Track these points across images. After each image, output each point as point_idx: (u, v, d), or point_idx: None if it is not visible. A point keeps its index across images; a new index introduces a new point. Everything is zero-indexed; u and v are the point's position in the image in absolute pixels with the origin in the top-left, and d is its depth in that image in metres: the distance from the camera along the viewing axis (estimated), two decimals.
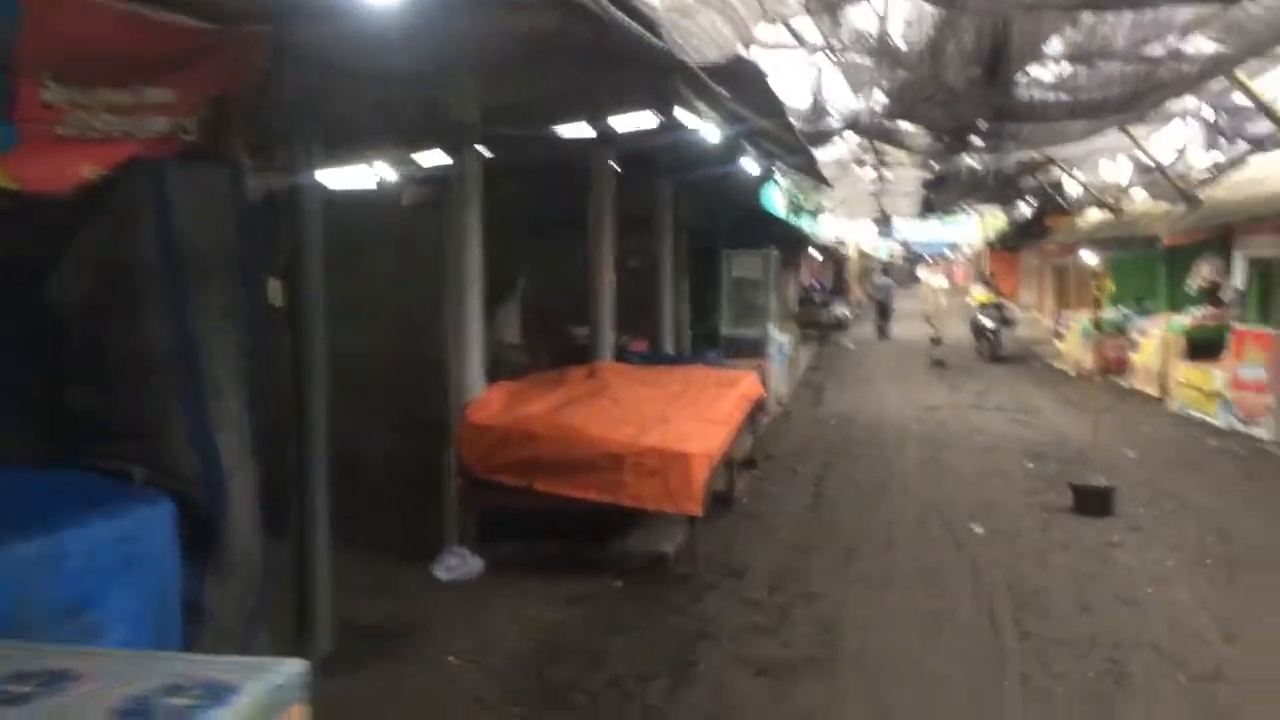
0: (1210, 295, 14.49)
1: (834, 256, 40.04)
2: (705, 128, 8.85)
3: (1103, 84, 8.89)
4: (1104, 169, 18.91)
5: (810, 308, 30.33)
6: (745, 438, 9.89)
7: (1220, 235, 12.52)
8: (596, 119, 8.57)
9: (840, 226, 38.30)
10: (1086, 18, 7.51)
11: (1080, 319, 19.64)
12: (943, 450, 11.36)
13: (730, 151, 12.20)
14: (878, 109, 12.06)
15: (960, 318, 33.27)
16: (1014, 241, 37.03)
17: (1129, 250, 18.91)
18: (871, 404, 15.65)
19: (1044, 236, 24.63)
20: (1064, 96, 8.87)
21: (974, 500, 8.97)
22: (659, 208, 13.37)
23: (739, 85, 7.90)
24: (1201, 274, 13.36)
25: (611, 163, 10.34)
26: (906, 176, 21.66)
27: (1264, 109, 9.86)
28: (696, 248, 14.81)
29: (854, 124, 12.83)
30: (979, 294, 24.44)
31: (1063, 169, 18.03)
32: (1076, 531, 7.92)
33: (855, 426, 13.19)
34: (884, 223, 40.51)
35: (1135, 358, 16.64)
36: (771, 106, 8.69)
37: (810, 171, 13.95)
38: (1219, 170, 12.69)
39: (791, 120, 10.78)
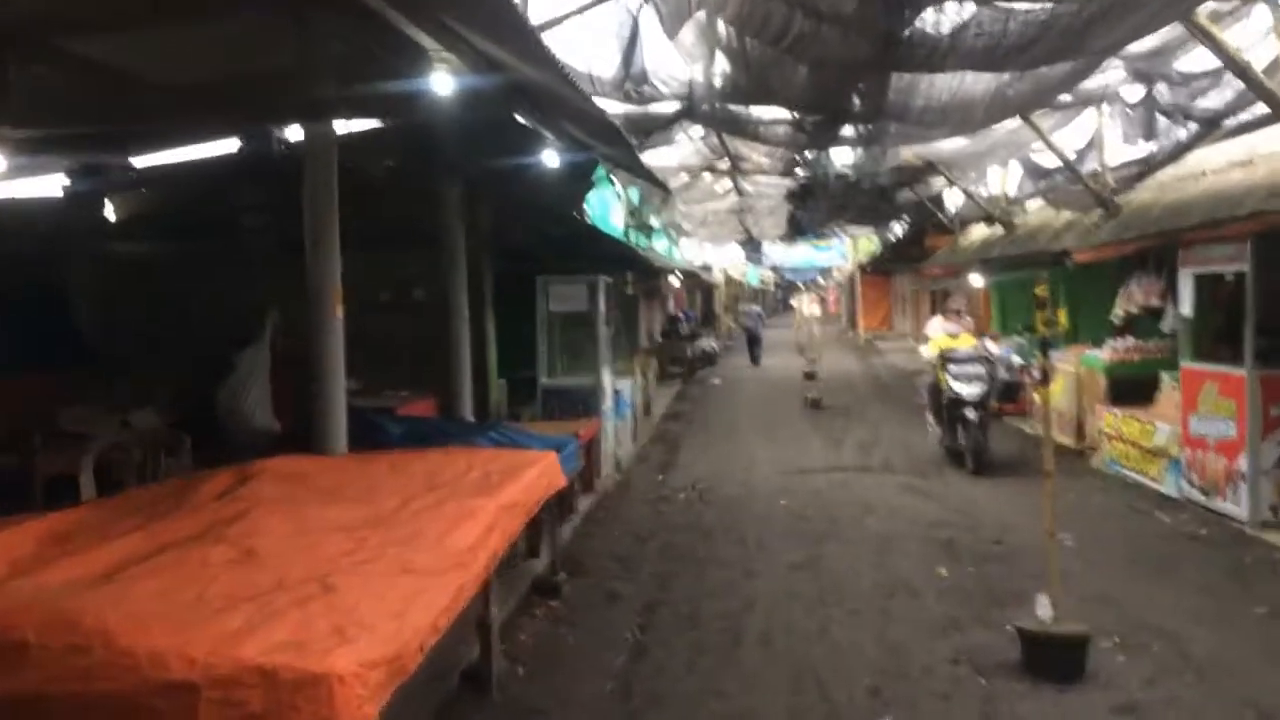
0: (1124, 325, 11.92)
1: (701, 284, 37.34)
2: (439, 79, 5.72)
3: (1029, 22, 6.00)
4: (992, 178, 16.43)
5: (675, 341, 27.48)
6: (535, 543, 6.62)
7: (1156, 248, 9.88)
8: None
9: (706, 251, 35.65)
10: None
11: None
12: (823, 545, 8.28)
13: (523, 137, 9.07)
14: (719, 82, 9.05)
15: (836, 346, 30.96)
16: (887, 265, 35.03)
17: (1022, 271, 16.44)
18: (735, 466, 12.58)
19: (922, 259, 22.21)
20: (978, 33, 6.04)
21: (871, 654, 5.84)
22: (446, 219, 10.09)
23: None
24: (1133, 298, 10.70)
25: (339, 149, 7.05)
26: (769, 190, 18.86)
27: (1234, 66, 7.15)
28: (510, 275, 11.57)
29: (690, 105, 9.78)
30: (944, 336, 12.30)
31: (945, 175, 15.46)
32: None
33: (710, 506, 10.04)
34: (752, 247, 38.09)
35: (1038, 395, 14.00)
36: (533, 50, 5.53)
37: (635, 169, 10.85)
38: (1148, 166, 10.08)
39: (589, 87, 7.68)
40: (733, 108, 10.39)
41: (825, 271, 56.25)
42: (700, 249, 35.81)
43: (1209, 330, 9.14)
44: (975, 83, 7.46)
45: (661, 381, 23.64)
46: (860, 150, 12.73)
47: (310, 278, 6.96)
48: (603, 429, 10.96)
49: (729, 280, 45.77)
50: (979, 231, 18.33)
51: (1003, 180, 15.85)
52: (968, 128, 10.10)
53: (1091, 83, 9.80)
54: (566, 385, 11.21)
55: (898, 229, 27.11)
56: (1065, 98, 10.04)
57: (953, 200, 19.04)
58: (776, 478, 11.63)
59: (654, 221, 21.43)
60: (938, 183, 18.55)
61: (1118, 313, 10.88)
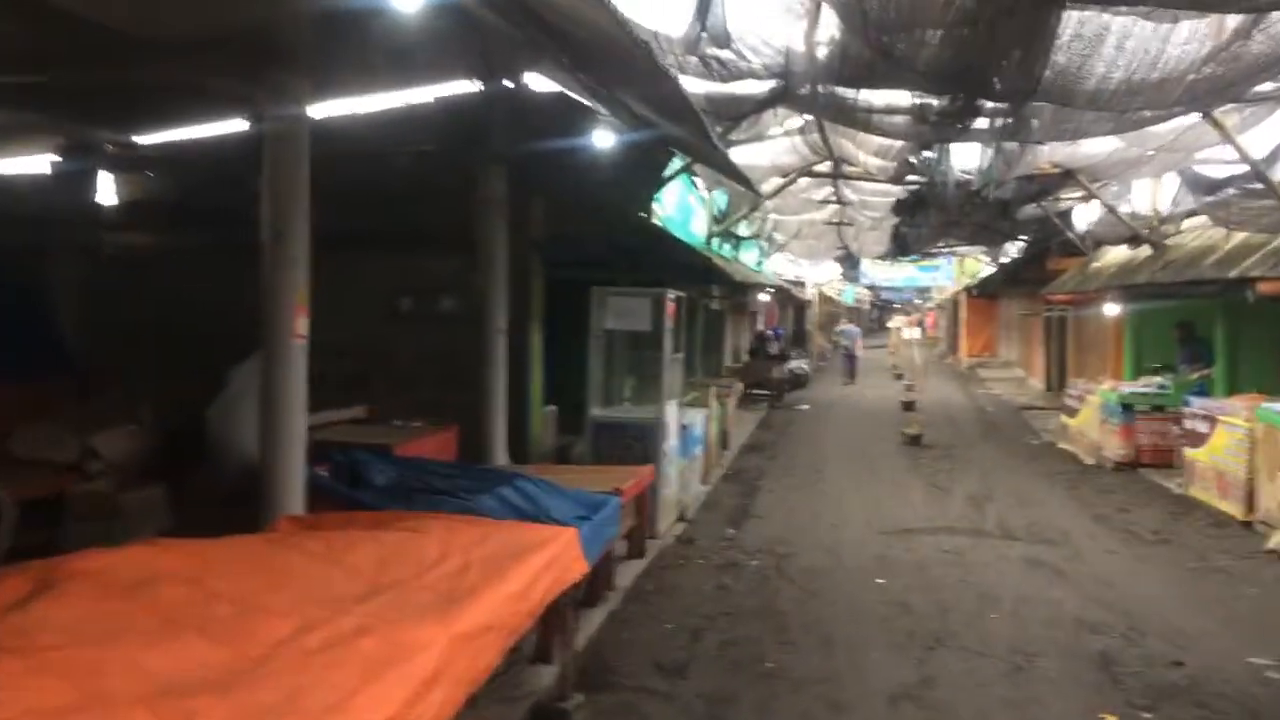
0: None
1: (793, 300, 35.23)
2: None
3: None
4: (1138, 192, 14.12)
5: (761, 362, 25.42)
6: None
7: None
8: None
9: (800, 267, 33.55)
10: None
11: (1102, 390, 14.77)
12: (933, 658, 6.25)
13: (580, 116, 7.32)
14: (824, 51, 7.13)
15: (935, 372, 28.59)
16: (998, 288, 32.44)
17: (1174, 301, 14.09)
18: (822, 520, 10.59)
19: (1042, 282, 19.84)
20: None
21: None
22: (486, 214, 8.39)
23: None
24: None
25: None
26: (874, 200, 16.78)
27: None
28: (568, 285, 9.83)
29: (786, 84, 7.87)
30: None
31: (1085, 186, 13.22)
32: None
33: (788, 581, 8.05)
34: (850, 263, 35.84)
35: (1194, 454, 11.70)
36: None
37: (713, 160, 8.99)
38: None
39: (657, 43, 5.86)
40: (840, 91, 8.44)
41: (924, 292, 53.52)
42: (794, 264, 33.73)
43: None
44: (1184, 45, 5.41)
45: (745, 405, 21.69)
46: (990, 151, 10.64)
47: (265, 286, 5.27)
48: (662, 474, 9.10)
49: (823, 298, 43.49)
50: (1117, 254, 15.98)
51: (1154, 194, 13.54)
52: (1138, 120, 7.98)
53: None
54: (622, 418, 9.37)
55: (1012, 250, 24.67)
56: (1267, 85, 7.85)
57: (1085, 218, 16.71)
58: (871, 540, 9.60)
59: (743, 231, 19.52)
60: (1069, 197, 16.26)
61: None
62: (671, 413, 9.64)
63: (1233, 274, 9.61)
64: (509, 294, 8.68)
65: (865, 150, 11.43)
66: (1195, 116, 9.13)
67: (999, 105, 8.21)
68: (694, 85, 8.04)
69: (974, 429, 19.55)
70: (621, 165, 8.58)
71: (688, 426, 10.64)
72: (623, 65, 5.95)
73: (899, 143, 10.30)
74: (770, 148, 11.72)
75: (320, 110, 8.93)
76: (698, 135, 7.09)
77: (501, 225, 8.48)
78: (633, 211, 9.63)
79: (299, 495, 5.44)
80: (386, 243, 9.07)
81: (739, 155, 11.68)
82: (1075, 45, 5.48)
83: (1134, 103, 6.40)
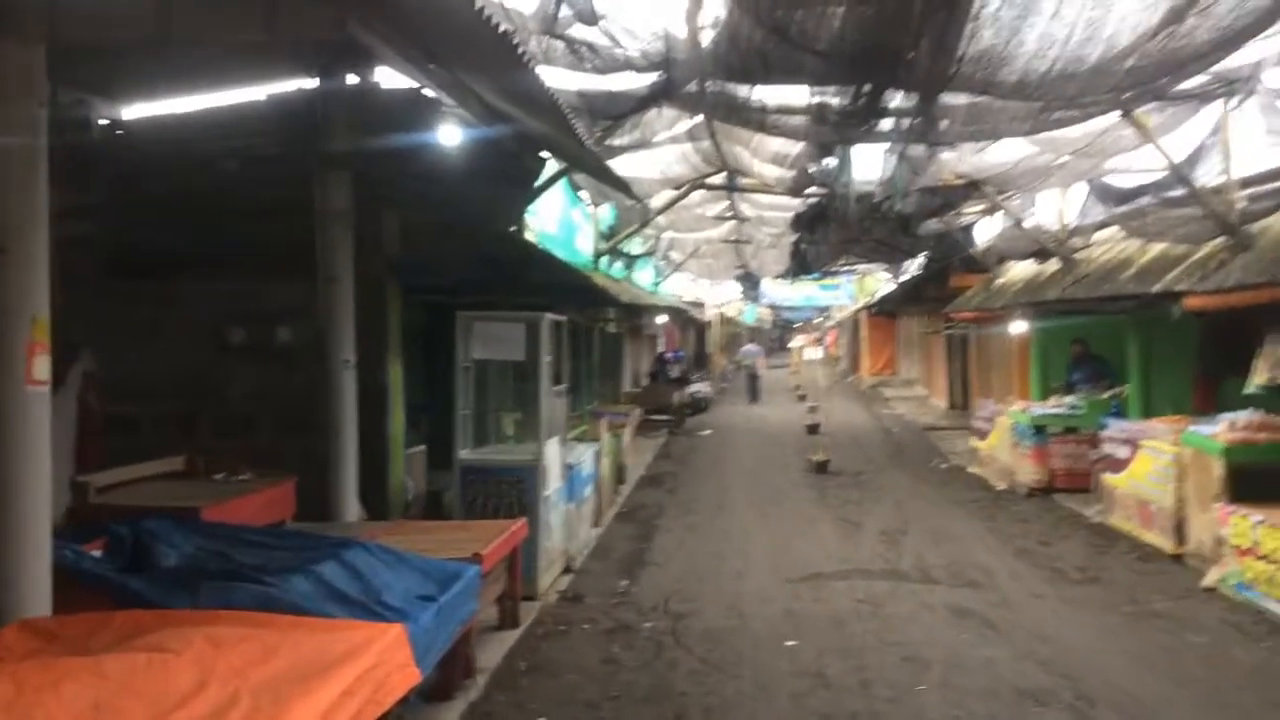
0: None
1: (694, 322, 34.44)
2: None
3: None
4: (1043, 205, 13.54)
5: (661, 386, 24.50)
6: None
7: None
8: None
9: (699, 288, 32.79)
10: None
11: (1012, 412, 14.11)
12: None
13: (423, 112, 6.24)
14: (710, 38, 6.14)
15: (837, 392, 28.02)
16: (895, 306, 32.13)
17: (1086, 318, 13.51)
18: (725, 566, 9.55)
19: (945, 300, 19.30)
20: None
21: None
22: (327, 229, 7.18)
23: None
24: (1268, 357, 7.66)
25: None
26: (773, 216, 15.95)
27: None
28: (440, 310, 8.65)
29: (669, 77, 6.86)
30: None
31: (990, 198, 12.55)
32: None
33: (686, 649, 6.95)
34: (750, 283, 35.21)
35: (1115, 481, 11.02)
36: None
37: (582, 160, 7.95)
38: None
39: (506, 17, 4.79)
40: (731, 87, 7.48)
41: (825, 311, 53.44)
42: (694, 284, 32.93)
43: None
44: (1124, 20, 4.55)
45: (645, 432, 20.68)
46: (894, 160, 9.82)
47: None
48: (543, 524, 7.96)
49: (724, 318, 42.86)
50: (1022, 269, 15.40)
51: (1061, 206, 12.93)
52: (1058, 119, 7.17)
53: (1231, 61, 6.92)
54: (495, 461, 8.20)
55: (913, 267, 24.19)
56: (1192, 82, 7.14)
57: (988, 233, 16.15)
58: (779, 590, 8.59)
59: (636, 249, 18.53)
60: (971, 212, 15.65)
61: (1257, 381, 7.94)
62: (553, 452, 8.51)
63: (1156, 288, 8.92)
64: (360, 321, 7.48)
65: (761, 158, 10.52)
66: (1112, 118, 8.42)
67: (905, 106, 7.35)
68: (565, 79, 7.00)
69: (881, 452, 18.85)
70: (487, 173, 7.47)
71: (574, 466, 9.52)
72: (471, 47, 4.86)
73: (796, 148, 9.41)
74: (659, 157, 10.73)
75: (131, 110, 7.67)
76: (563, 133, 6.01)
77: (346, 241, 7.28)
78: (502, 226, 8.50)
79: (42, 589, 4.16)
80: (214, 264, 7.78)
81: (625, 165, 10.68)
82: (1005, 13, 4.57)
83: (1067, 89, 5.54)
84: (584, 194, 12.35)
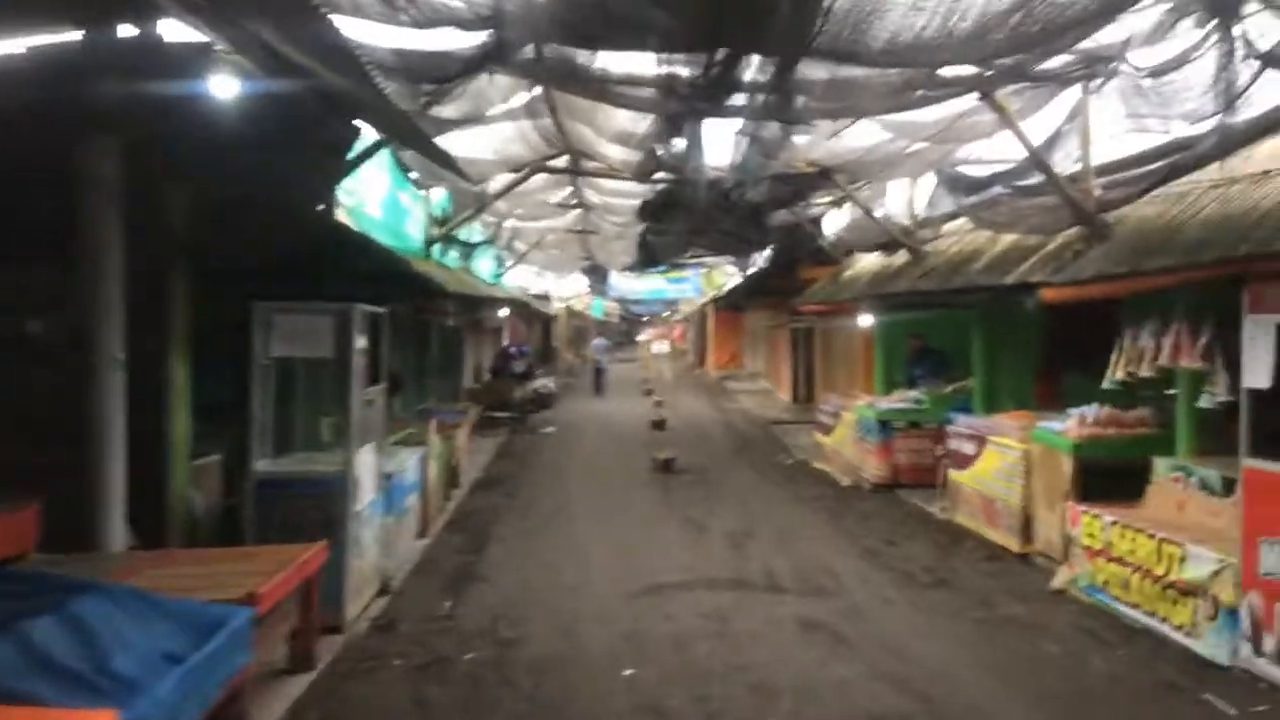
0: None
1: (539, 316, 33.57)
2: None
3: None
4: (893, 196, 13.29)
5: (504, 382, 23.57)
6: None
7: (1183, 285, 6.57)
8: None
9: (545, 280, 31.96)
10: None
11: (858, 407, 13.86)
12: None
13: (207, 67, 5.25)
14: None
15: (685, 386, 27.68)
16: (742, 300, 32.08)
17: (932, 312, 13.34)
18: (561, 579, 8.81)
19: (793, 292, 19.05)
20: None
21: None
22: (88, 203, 6.08)
23: None
24: (1144, 356, 7.27)
25: None
26: (619, 204, 15.27)
27: None
28: (243, 299, 7.53)
29: (499, 38, 6.05)
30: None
31: (842, 187, 12.19)
32: None
33: (510, 683, 6.15)
34: (597, 276, 34.62)
35: (961, 478, 10.79)
36: None
37: (398, 128, 7.06)
38: (1175, 166, 6.75)
39: None
40: (570, 52, 6.71)
41: (673, 305, 53.39)
42: (540, 276, 32.07)
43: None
44: None
45: (486, 430, 19.75)
46: (745, 143, 9.25)
47: None
48: (352, 542, 7.03)
49: (571, 312, 42.13)
50: (870, 261, 15.19)
51: (910, 197, 12.68)
52: (920, 98, 6.69)
53: (1095, 40, 6.58)
54: (296, 473, 7.21)
55: (761, 260, 24.01)
56: (1054, 62, 6.77)
57: (837, 224, 15.90)
58: (619, 606, 7.90)
59: (475, 237, 17.55)
60: (821, 202, 15.38)
61: (1114, 377, 7.67)
62: (367, 460, 7.58)
63: (1009, 280, 8.63)
64: (136, 312, 6.38)
65: (606, 137, 9.80)
66: (970, 101, 8.06)
67: (760, 80, 6.74)
68: (379, 33, 6.09)
69: (726, 448, 18.47)
70: (289, 142, 6.50)
71: (395, 474, 8.61)
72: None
73: (643, 127, 8.73)
74: (495, 135, 9.87)
75: None
76: (373, 96, 5.13)
77: (114, 218, 6.18)
78: (311, 204, 7.50)
79: None
80: None
81: (457, 143, 9.79)
82: None
83: (938, 56, 5.01)
84: (414, 175, 11.37)
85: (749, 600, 8.06)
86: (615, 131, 9.27)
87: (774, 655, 6.66)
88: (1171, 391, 8.04)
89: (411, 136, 7.64)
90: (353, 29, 5.88)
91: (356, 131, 7.07)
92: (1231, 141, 5.97)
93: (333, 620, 6.69)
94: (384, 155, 10.49)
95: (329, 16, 4.96)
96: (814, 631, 7.18)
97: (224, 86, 5.68)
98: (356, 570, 7.22)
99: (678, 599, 8.10)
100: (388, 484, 8.32)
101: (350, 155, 7.41)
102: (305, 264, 7.68)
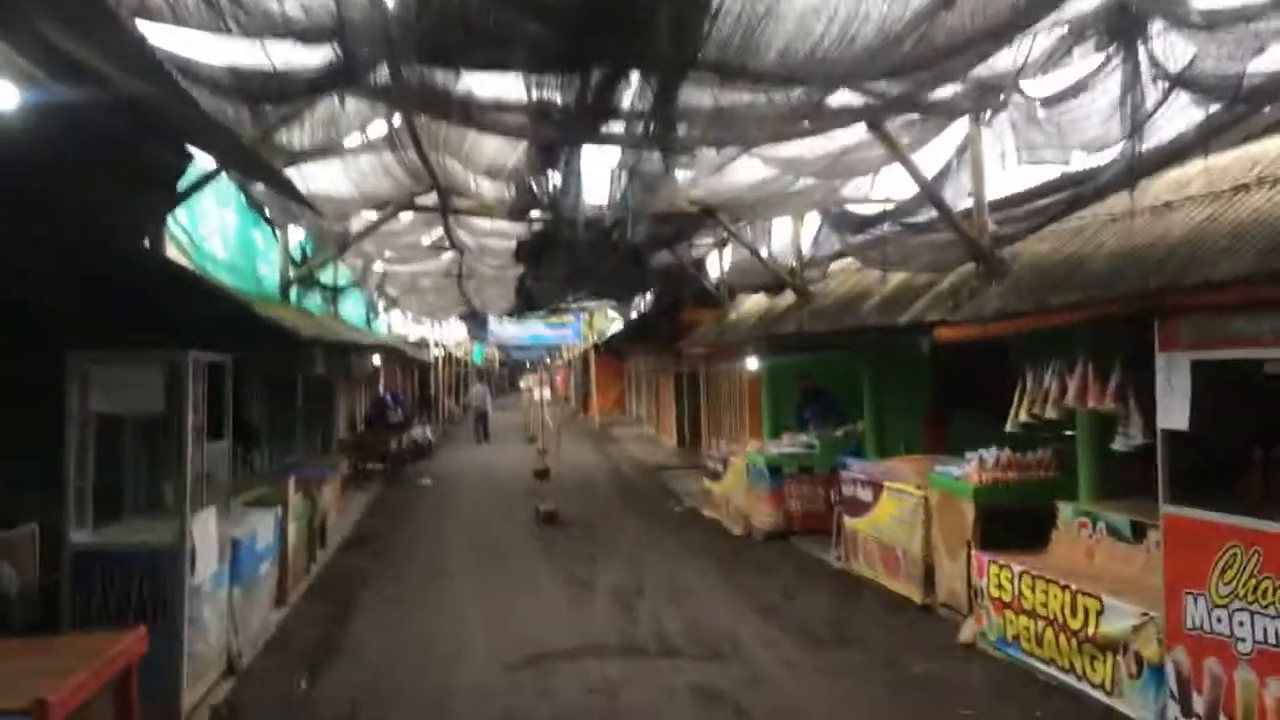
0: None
1: (416, 363, 32.44)
2: None
3: None
4: (777, 236, 12.98)
5: (377, 433, 22.48)
6: None
7: (1093, 321, 6.23)
8: None
9: (423, 326, 30.93)
10: None
11: (748, 453, 13.41)
12: None
13: None
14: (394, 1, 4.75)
15: (568, 433, 26.98)
16: (624, 344, 31.64)
17: (814, 353, 13.02)
18: (432, 652, 7.99)
19: (676, 336, 18.63)
20: None
21: None
22: None
23: None
24: (1049, 397, 6.89)
25: None
26: (495, 245, 14.59)
27: None
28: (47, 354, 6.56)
29: (347, 53, 5.37)
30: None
31: (725, 226, 11.79)
32: None
33: None
34: (477, 322, 33.73)
35: (857, 525, 10.38)
36: None
37: (235, 156, 6.29)
38: (1080, 195, 6.44)
39: None
40: (429, 73, 6.06)
41: (554, 350, 52.70)
42: (418, 323, 31.02)
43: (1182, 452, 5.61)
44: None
45: (359, 485, 18.67)
46: (625, 178, 8.73)
47: None
48: (187, 623, 6.13)
49: (450, 359, 41.04)
50: (755, 303, 14.85)
51: (795, 236, 12.36)
52: (807, 128, 6.26)
53: (987, 67, 6.25)
54: (120, 545, 6.28)
55: (642, 303, 23.61)
56: (949, 90, 6.43)
57: (719, 266, 15.55)
58: (497, 681, 7.14)
59: (342, 280, 16.61)
60: (703, 244, 15.01)
61: (1018, 419, 7.32)
62: (207, 527, 6.68)
63: (904, 319, 8.27)
64: None
65: (476, 171, 9.15)
66: (858, 134, 7.70)
67: (640, 108, 6.22)
68: (212, 48, 5.36)
69: (612, 496, 17.80)
70: (100, 169, 5.65)
71: (245, 539, 7.70)
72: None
73: (514, 157, 8.11)
74: (354, 168, 9.11)
75: None
76: (190, 110, 4.38)
77: None
78: (131, 241, 6.63)
79: None
80: None
81: (313, 178, 9.02)
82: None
83: (833, 71, 4.55)
84: (268, 212, 10.52)
85: (641, 669, 7.40)
86: (486, 165, 8.64)
87: None
88: (1070, 433, 7.75)
89: (253, 166, 6.84)
90: (181, 42, 5.16)
91: (187, 158, 6.26)
92: (1140, 169, 5.69)
93: (165, 714, 5.78)
94: (231, 189, 9.62)
95: (130, 21, 4.24)
96: (713, 704, 6.57)
97: (12, 105, 4.83)
98: (198, 653, 6.31)
99: (562, 670, 7.39)
100: (235, 551, 7.41)
101: (181, 186, 6.59)
102: (130, 309, 6.78)
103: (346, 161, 8.87)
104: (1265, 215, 5.05)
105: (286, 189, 7.16)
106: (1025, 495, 7.95)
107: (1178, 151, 5.43)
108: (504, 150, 8.08)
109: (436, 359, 35.91)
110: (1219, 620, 5.19)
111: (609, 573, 10.93)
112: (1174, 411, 5.44)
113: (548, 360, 59.23)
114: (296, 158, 7.84)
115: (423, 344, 31.65)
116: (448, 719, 6.33)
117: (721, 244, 14.65)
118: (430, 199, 10.90)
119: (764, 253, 12.90)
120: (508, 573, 11.19)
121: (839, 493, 10.97)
